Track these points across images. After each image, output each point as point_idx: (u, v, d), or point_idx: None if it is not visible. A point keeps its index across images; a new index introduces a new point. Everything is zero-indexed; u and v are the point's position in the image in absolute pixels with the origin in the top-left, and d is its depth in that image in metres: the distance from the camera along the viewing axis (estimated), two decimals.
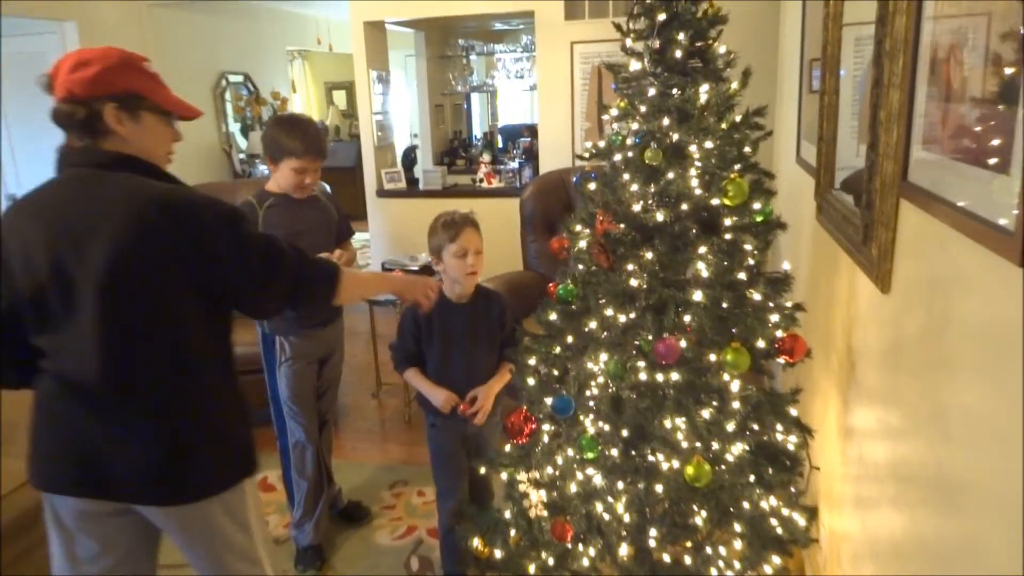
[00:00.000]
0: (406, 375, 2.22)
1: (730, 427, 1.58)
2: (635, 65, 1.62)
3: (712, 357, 1.55)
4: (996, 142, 0.84)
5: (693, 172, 1.54)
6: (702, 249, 1.54)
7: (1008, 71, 0.82)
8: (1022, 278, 0.76)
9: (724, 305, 1.55)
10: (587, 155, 1.73)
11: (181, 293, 1.34)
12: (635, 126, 1.61)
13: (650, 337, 1.56)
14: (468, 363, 2.18)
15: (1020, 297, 0.78)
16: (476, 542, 1.87)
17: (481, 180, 5.42)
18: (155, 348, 1.35)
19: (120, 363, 1.33)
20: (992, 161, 0.86)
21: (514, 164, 5.59)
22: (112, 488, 1.38)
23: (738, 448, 1.59)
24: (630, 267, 1.60)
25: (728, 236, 1.56)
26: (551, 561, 1.70)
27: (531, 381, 1.77)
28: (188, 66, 5.88)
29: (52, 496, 1.42)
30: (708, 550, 1.62)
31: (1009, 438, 0.80)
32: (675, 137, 1.55)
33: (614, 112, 1.67)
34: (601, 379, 1.66)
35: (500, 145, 7.11)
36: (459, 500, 2.24)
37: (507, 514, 1.83)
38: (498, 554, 1.78)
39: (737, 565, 1.62)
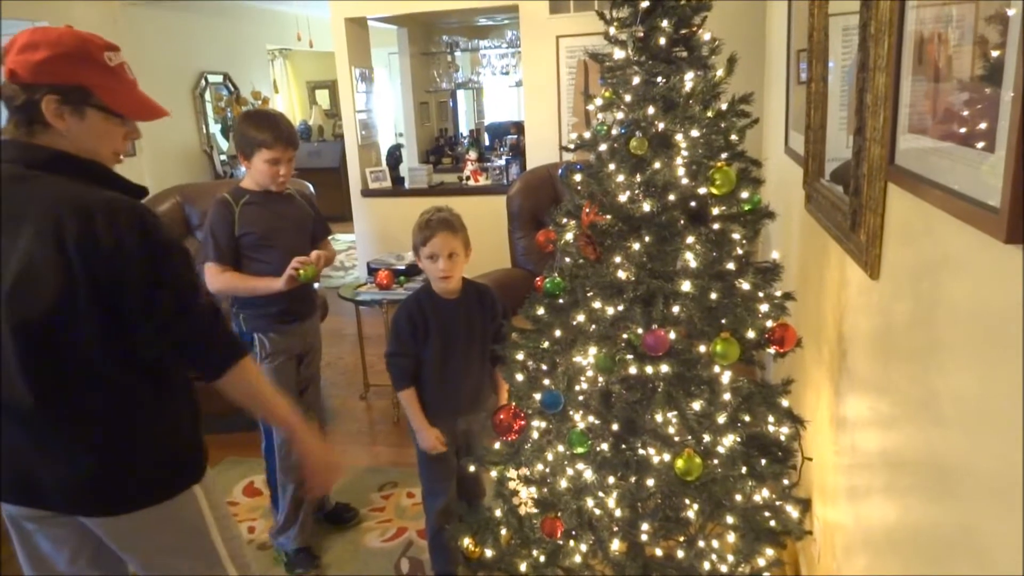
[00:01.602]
0: (402, 395, 2.18)
1: (721, 419, 1.56)
2: (619, 54, 1.60)
3: (702, 348, 1.54)
4: (983, 123, 0.83)
5: (679, 161, 1.52)
6: (690, 239, 1.52)
7: (995, 53, 0.81)
8: (1009, 256, 0.75)
9: (713, 296, 1.54)
10: (572, 146, 1.71)
11: (92, 309, 1.25)
12: (620, 115, 1.59)
13: (639, 330, 1.54)
14: (465, 360, 2.16)
15: (1007, 276, 0.77)
16: (467, 542, 1.85)
17: (468, 178, 5.39)
18: (72, 361, 1.28)
19: (38, 376, 1.27)
20: (980, 144, 0.84)
21: (501, 161, 5.56)
22: (44, 498, 1.35)
23: (729, 440, 1.58)
24: (617, 259, 1.58)
25: (716, 226, 1.55)
26: (542, 559, 1.68)
27: (519, 377, 1.74)
28: (166, 66, 5.82)
29: None
30: (701, 544, 1.60)
31: (1001, 420, 0.79)
32: (660, 126, 1.52)
33: (599, 102, 1.65)
34: (590, 373, 1.64)
35: (487, 142, 7.09)
36: (447, 500, 2.22)
37: (497, 512, 1.81)
38: (489, 553, 1.75)
39: (730, 558, 1.60)
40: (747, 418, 1.62)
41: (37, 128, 1.27)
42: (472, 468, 2.02)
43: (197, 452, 1.46)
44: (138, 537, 1.40)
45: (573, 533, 1.64)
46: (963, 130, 0.90)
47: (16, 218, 1.23)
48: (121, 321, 1.28)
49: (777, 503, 1.64)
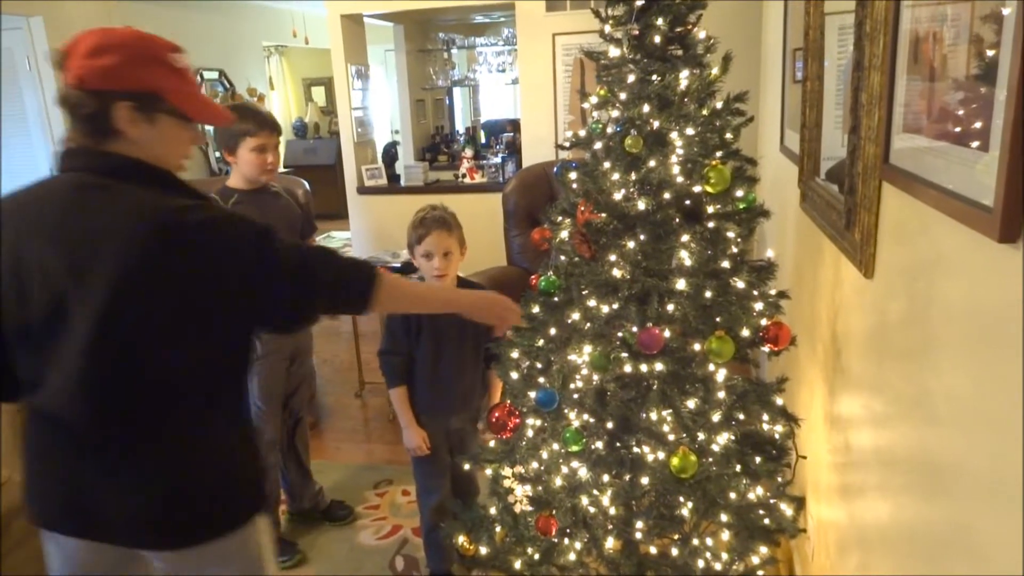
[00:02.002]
0: (393, 393, 2.18)
1: (715, 417, 1.57)
2: (614, 52, 1.60)
3: (696, 346, 1.54)
4: (978, 123, 0.83)
5: (674, 159, 1.52)
6: (685, 237, 1.52)
7: (990, 52, 0.81)
8: (1003, 256, 0.75)
9: (708, 294, 1.54)
10: (567, 144, 1.70)
11: (191, 326, 1.18)
12: (615, 113, 1.59)
13: (634, 328, 1.54)
14: (458, 360, 2.15)
15: (1001, 276, 0.77)
16: (461, 539, 1.85)
17: (463, 176, 5.38)
18: (154, 385, 1.20)
19: (110, 400, 1.19)
20: (975, 144, 0.84)
21: (497, 159, 5.55)
22: (106, 532, 1.25)
23: (724, 438, 1.58)
24: (612, 257, 1.58)
25: (711, 224, 1.55)
26: (537, 556, 1.68)
27: (514, 375, 1.74)
28: None
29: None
30: (695, 542, 1.61)
31: (995, 419, 0.79)
32: (655, 124, 1.52)
33: (594, 100, 1.64)
34: (585, 371, 1.64)
35: (483, 140, 7.08)
36: (442, 497, 2.22)
37: (492, 510, 1.81)
38: (484, 551, 1.75)
39: (725, 556, 1.60)
40: (741, 416, 1.62)
41: (105, 137, 1.20)
42: (467, 466, 2.02)
43: (260, 478, 1.39)
44: (203, 570, 1.30)
45: (568, 531, 1.64)
46: (958, 129, 0.90)
47: (99, 233, 1.15)
48: (207, 332, 1.21)
49: (771, 501, 1.65)
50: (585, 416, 1.63)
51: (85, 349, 1.15)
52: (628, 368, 1.57)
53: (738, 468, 1.58)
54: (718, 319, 1.54)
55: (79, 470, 1.23)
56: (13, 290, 1.19)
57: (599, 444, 1.61)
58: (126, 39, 1.22)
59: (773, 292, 1.63)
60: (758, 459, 1.61)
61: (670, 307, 1.54)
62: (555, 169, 1.74)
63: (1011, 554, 0.76)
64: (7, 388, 1.27)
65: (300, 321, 1.31)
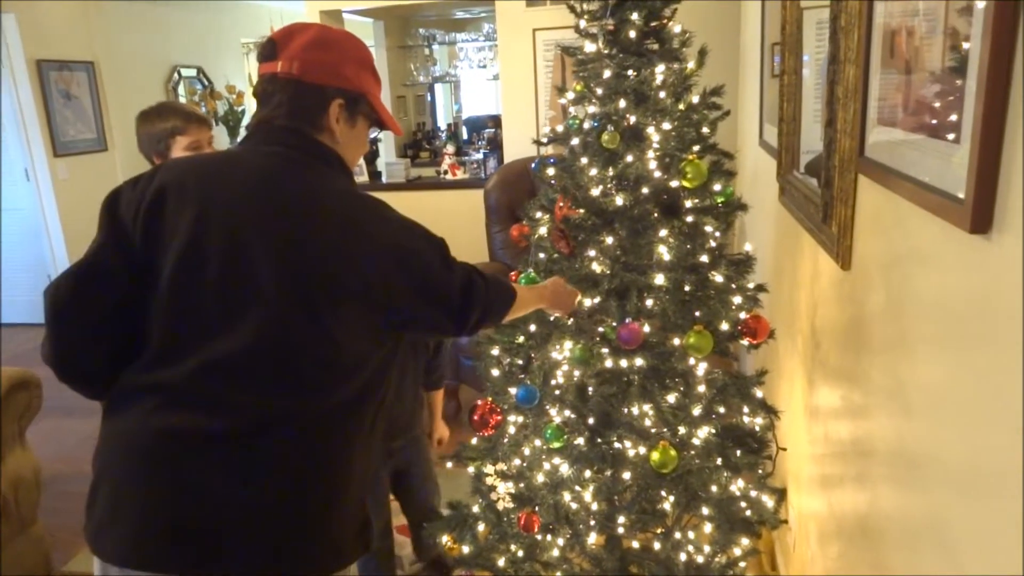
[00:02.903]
0: None
1: (696, 411, 1.57)
2: (590, 47, 1.59)
3: (676, 341, 1.54)
4: (952, 116, 0.83)
5: (651, 154, 1.51)
6: (663, 232, 1.52)
7: (965, 45, 0.81)
8: (974, 247, 0.75)
9: (687, 288, 1.54)
10: (545, 140, 1.70)
11: (367, 317, 1.12)
12: (592, 109, 1.59)
13: (614, 323, 1.54)
14: (399, 385, 2.04)
15: (973, 267, 0.77)
16: (445, 539, 1.84)
17: (445, 172, 5.36)
18: (321, 368, 1.09)
19: (282, 371, 1.07)
20: (950, 136, 0.85)
21: (479, 155, 5.53)
22: (216, 563, 1.04)
23: (704, 432, 1.58)
24: (591, 252, 1.58)
25: (689, 219, 1.55)
26: (520, 553, 1.68)
27: (495, 372, 1.73)
28: (138, 60, 5.71)
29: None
30: (677, 535, 1.61)
31: (966, 410, 0.79)
32: (632, 119, 1.52)
33: (571, 95, 1.64)
34: (566, 367, 1.64)
35: (465, 136, 7.05)
36: (382, 522, 2.09)
37: (475, 508, 1.80)
38: (466, 549, 1.75)
39: (707, 549, 1.61)
40: (722, 409, 1.62)
41: (315, 129, 1.19)
42: (418, 492, 2.00)
43: (369, 515, 1.23)
44: None
45: (550, 527, 1.64)
46: (933, 122, 0.90)
47: (313, 207, 1.11)
48: (374, 328, 1.14)
49: (752, 493, 1.66)
50: (566, 412, 1.63)
51: (263, 335, 1.06)
52: (609, 364, 1.57)
53: (719, 461, 1.59)
54: (697, 313, 1.54)
55: (201, 488, 1.03)
56: (190, 244, 1.08)
57: (581, 440, 1.61)
58: (342, 38, 1.23)
59: (752, 286, 1.64)
60: (739, 452, 1.61)
61: (649, 302, 1.53)
62: (533, 165, 1.73)
63: (981, 546, 0.76)
64: (106, 378, 1.11)
65: (450, 331, 1.30)
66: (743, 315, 1.58)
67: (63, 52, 4.85)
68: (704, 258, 1.55)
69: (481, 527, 1.77)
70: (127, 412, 1.09)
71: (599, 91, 1.56)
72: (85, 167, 4.93)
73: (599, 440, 1.61)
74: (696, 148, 1.53)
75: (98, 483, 1.09)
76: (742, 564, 1.65)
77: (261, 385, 1.07)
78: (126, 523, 1.04)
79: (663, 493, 1.59)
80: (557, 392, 1.65)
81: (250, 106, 8.05)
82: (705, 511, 1.60)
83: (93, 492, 1.09)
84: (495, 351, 1.74)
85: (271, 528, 1.06)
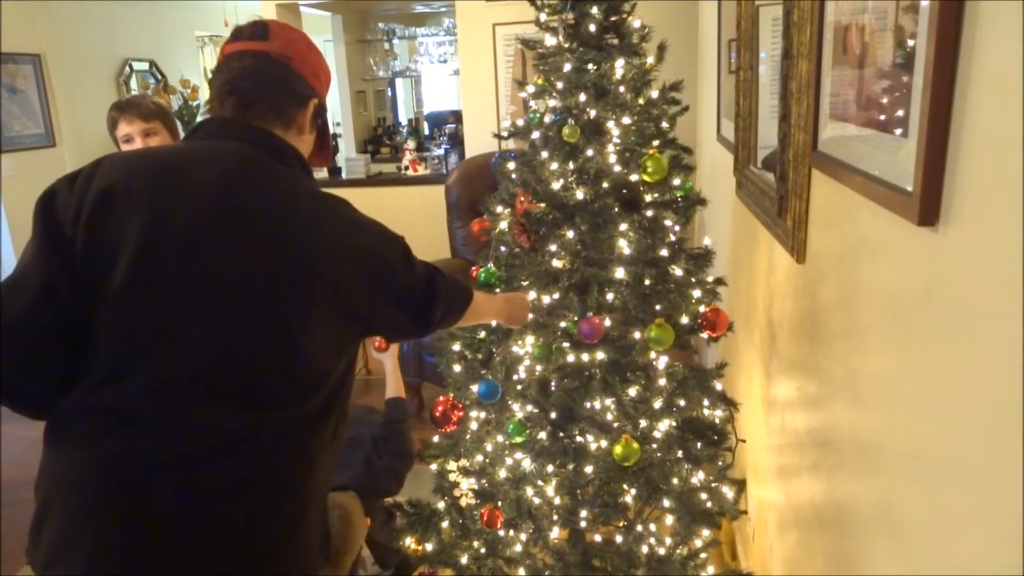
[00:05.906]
0: None
1: (657, 404, 1.58)
2: (550, 40, 1.59)
3: (637, 335, 1.55)
4: (900, 111, 0.85)
5: (612, 149, 1.52)
6: (623, 226, 1.52)
7: (910, 42, 0.83)
8: (921, 239, 0.77)
9: (647, 282, 1.55)
10: (505, 134, 1.69)
11: (330, 322, 1.07)
12: (553, 103, 1.58)
13: (575, 318, 1.54)
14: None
15: (920, 259, 0.79)
16: (409, 540, 1.82)
17: (406, 168, 5.31)
18: (286, 375, 1.03)
19: (236, 423, 1.00)
20: (898, 131, 0.86)
21: (440, 151, 5.50)
22: None
23: (665, 425, 1.60)
24: (552, 247, 1.58)
25: (649, 213, 1.56)
26: (483, 550, 1.67)
27: (456, 368, 1.72)
28: (86, 53, 5.53)
29: None
30: (639, 528, 1.62)
31: (913, 399, 0.81)
32: (592, 113, 1.52)
33: (531, 89, 1.63)
34: (528, 362, 1.63)
35: (426, 132, 7.01)
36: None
37: (440, 505, 1.79)
38: (430, 547, 1.73)
39: (668, 541, 1.62)
40: (682, 402, 1.64)
41: (287, 125, 1.15)
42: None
43: (329, 527, 1.20)
44: None
45: (513, 523, 1.63)
46: (883, 117, 0.92)
47: (279, 211, 1.06)
48: (339, 333, 1.10)
49: (713, 485, 1.68)
50: (528, 407, 1.62)
51: (235, 328, 1.00)
52: (570, 358, 1.57)
53: (680, 454, 1.61)
54: (658, 307, 1.55)
55: (156, 506, 0.96)
56: (142, 252, 0.99)
57: (543, 435, 1.61)
58: (319, 52, 1.22)
59: (711, 279, 1.65)
60: (699, 444, 1.63)
61: (610, 296, 1.54)
62: (493, 159, 1.72)
63: (928, 531, 0.78)
64: (47, 396, 1.01)
65: (413, 334, 1.29)
66: (703, 308, 1.59)
67: (7, 44, 4.66)
68: (664, 252, 1.57)
69: (444, 524, 1.76)
70: (74, 439, 1.00)
71: (559, 85, 1.56)
72: (32, 163, 4.76)
73: (561, 434, 1.62)
74: (656, 143, 1.54)
75: (45, 512, 0.99)
76: (703, 555, 1.67)
77: (221, 404, 1.00)
78: (79, 555, 0.96)
79: (625, 486, 1.60)
80: (519, 387, 1.64)
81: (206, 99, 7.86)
82: (666, 503, 1.61)
83: (39, 520, 1.00)
84: (456, 347, 1.73)
85: (237, 554, 1.00)
